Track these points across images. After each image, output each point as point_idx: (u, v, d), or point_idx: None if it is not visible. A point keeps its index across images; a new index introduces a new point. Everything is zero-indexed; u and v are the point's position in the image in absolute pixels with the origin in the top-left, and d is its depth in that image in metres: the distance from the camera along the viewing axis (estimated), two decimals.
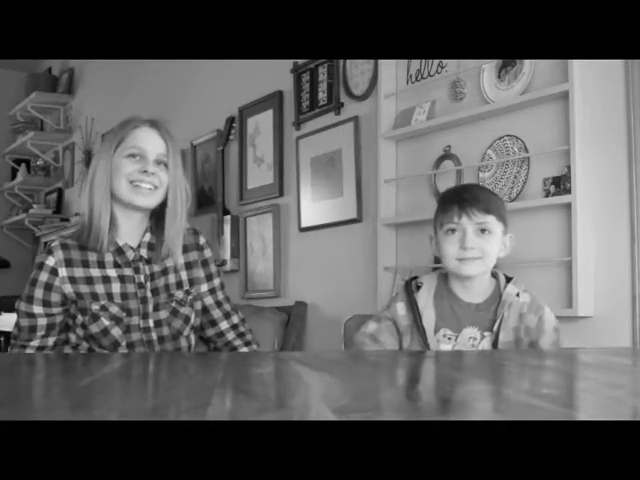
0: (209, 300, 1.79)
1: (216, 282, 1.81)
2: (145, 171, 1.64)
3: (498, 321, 1.69)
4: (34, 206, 5.92)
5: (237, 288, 3.80)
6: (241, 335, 1.83)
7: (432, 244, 1.79)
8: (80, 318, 1.66)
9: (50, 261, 1.66)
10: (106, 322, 1.65)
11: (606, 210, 2.24)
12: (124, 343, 1.66)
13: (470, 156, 2.64)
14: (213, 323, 1.80)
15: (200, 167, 4.23)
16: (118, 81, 5.08)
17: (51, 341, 1.68)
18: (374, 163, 2.98)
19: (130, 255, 1.69)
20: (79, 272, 1.66)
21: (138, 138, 1.66)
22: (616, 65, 2.22)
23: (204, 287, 1.79)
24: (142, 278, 1.69)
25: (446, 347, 1.70)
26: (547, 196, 2.35)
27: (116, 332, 1.65)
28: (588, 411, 0.74)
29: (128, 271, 1.68)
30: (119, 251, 1.68)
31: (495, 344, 1.69)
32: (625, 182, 2.20)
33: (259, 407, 0.71)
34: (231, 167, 3.97)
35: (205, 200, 4.16)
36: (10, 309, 5.43)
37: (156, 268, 1.71)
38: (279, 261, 3.61)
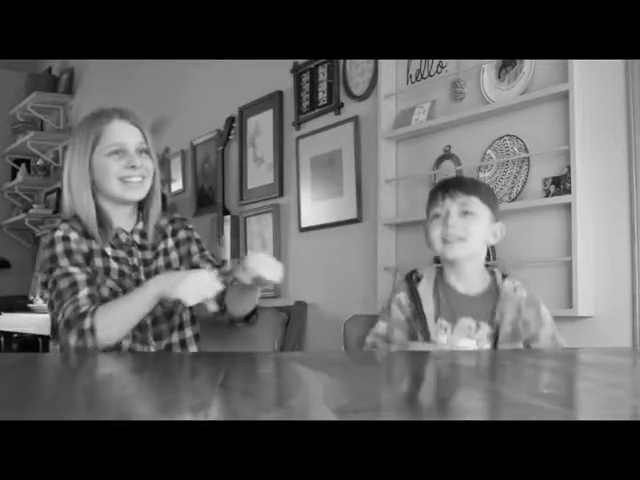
0: (198, 259, 1.80)
1: (207, 252, 1.84)
2: (133, 166, 1.66)
3: (498, 313, 1.70)
4: (34, 206, 5.91)
5: None
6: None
7: (425, 239, 1.83)
8: None
9: (58, 233, 1.65)
10: (105, 293, 1.64)
11: (606, 210, 2.24)
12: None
13: (470, 156, 2.64)
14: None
15: (200, 167, 4.22)
16: (118, 81, 5.07)
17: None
18: (374, 163, 2.98)
19: (123, 238, 1.72)
20: (82, 243, 1.67)
21: (114, 133, 1.67)
22: (616, 65, 2.22)
23: (196, 256, 1.80)
24: (135, 261, 1.72)
25: (442, 338, 1.72)
26: (547, 196, 2.35)
27: None
28: (588, 411, 0.74)
29: (122, 253, 1.71)
30: (115, 235, 1.72)
31: (496, 336, 1.70)
32: (625, 182, 2.20)
33: (259, 407, 0.71)
34: (231, 167, 3.97)
35: (205, 200, 4.15)
36: (10, 309, 5.42)
37: (149, 255, 1.75)
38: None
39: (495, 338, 1.70)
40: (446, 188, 1.76)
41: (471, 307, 1.73)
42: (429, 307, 1.74)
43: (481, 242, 1.76)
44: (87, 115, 1.75)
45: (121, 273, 1.68)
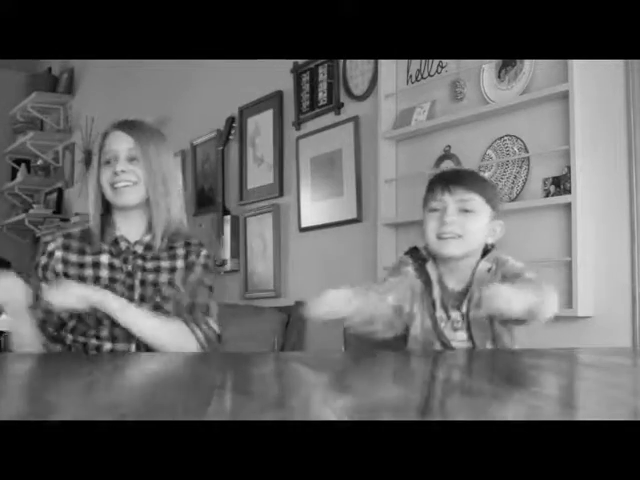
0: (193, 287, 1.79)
1: (204, 288, 1.80)
2: (117, 172, 1.73)
3: (466, 300, 1.64)
4: (34, 206, 5.90)
5: (237, 288, 3.79)
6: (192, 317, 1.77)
7: (422, 231, 1.73)
8: None
9: (50, 246, 1.80)
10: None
11: (606, 210, 2.24)
12: (107, 322, 1.68)
13: (470, 156, 2.64)
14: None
15: (200, 167, 4.22)
16: (118, 81, 5.08)
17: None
18: (374, 163, 2.98)
19: (123, 246, 1.78)
20: (73, 257, 1.78)
21: (108, 144, 1.77)
22: (616, 65, 2.22)
23: (193, 284, 1.79)
24: (130, 267, 1.76)
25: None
26: (547, 196, 2.35)
27: (100, 313, 1.68)
28: (588, 411, 0.74)
29: (118, 261, 1.77)
30: (115, 242, 1.78)
31: (468, 326, 1.64)
32: (625, 182, 2.20)
33: (259, 407, 0.71)
34: (231, 167, 3.97)
35: (205, 200, 4.15)
36: None
37: (149, 265, 1.78)
38: (279, 261, 3.61)
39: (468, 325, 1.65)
40: (445, 182, 1.68)
41: (458, 301, 1.68)
42: (436, 293, 1.68)
43: (479, 241, 1.67)
44: None
45: (112, 280, 1.75)
